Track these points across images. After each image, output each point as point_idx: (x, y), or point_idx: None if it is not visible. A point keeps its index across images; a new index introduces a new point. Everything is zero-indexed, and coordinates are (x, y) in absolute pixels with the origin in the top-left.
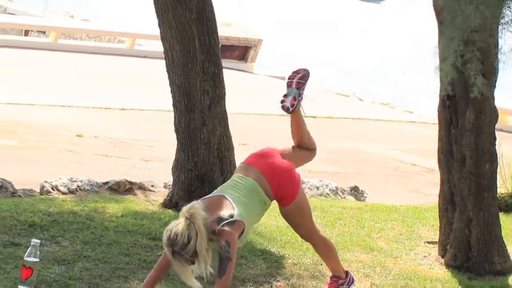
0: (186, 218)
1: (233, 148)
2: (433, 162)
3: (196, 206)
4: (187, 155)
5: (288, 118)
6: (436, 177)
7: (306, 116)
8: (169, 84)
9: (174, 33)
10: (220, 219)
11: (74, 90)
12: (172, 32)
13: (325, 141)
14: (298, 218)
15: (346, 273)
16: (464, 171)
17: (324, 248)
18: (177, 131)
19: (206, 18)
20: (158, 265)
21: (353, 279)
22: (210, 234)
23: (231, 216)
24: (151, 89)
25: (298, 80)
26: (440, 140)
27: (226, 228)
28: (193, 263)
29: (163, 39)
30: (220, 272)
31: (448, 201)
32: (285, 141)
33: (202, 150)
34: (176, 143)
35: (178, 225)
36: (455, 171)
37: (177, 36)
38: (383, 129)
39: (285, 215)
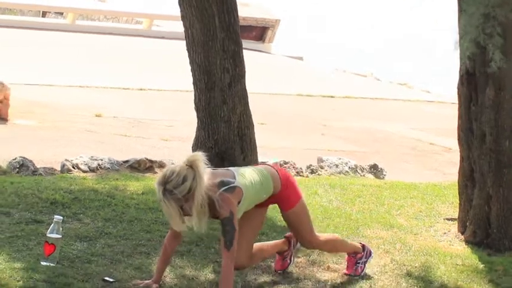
0: (187, 164)
1: (253, 126)
2: (451, 142)
3: (199, 154)
4: (207, 133)
5: (305, 98)
6: (454, 156)
7: (324, 96)
8: (190, 62)
9: (194, 12)
10: (221, 183)
11: (92, 71)
12: (192, 10)
13: (344, 120)
14: (297, 224)
15: (363, 246)
16: (484, 148)
17: (330, 248)
18: (197, 109)
19: None
20: (168, 236)
21: (370, 252)
22: (209, 194)
23: (232, 182)
24: (169, 69)
25: None
26: (460, 117)
27: (227, 194)
28: (181, 208)
29: (183, 17)
30: (227, 244)
31: (468, 178)
32: (302, 121)
33: (223, 128)
34: (196, 121)
35: (176, 166)
36: (475, 148)
37: (197, 14)
38: (401, 109)
39: (286, 220)
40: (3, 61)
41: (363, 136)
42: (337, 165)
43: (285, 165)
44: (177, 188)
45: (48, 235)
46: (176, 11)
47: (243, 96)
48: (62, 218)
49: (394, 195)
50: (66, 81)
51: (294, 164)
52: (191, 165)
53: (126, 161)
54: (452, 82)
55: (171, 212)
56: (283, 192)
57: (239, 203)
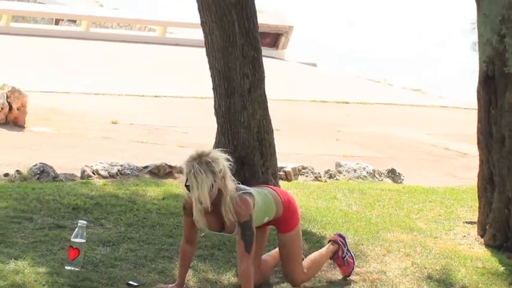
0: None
1: (272, 131)
2: (466, 147)
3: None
4: (227, 138)
5: (319, 104)
6: (469, 162)
7: (338, 102)
8: (209, 68)
9: (214, 18)
10: (238, 187)
11: (107, 78)
12: (212, 17)
13: (359, 126)
14: (290, 247)
15: (334, 241)
16: (504, 151)
17: (314, 271)
18: (217, 114)
19: (245, 2)
20: (182, 243)
21: (341, 236)
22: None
23: (248, 189)
24: (184, 76)
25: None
26: (479, 120)
27: (246, 197)
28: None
29: (203, 23)
30: (248, 248)
31: (487, 181)
32: (316, 127)
33: (243, 134)
34: (212, 128)
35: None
36: (495, 151)
37: (217, 20)
38: (415, 115)
39: (281, 241)
40: (19, 68)
41: (378, 142)
42: (355, 170)
43: (303, 170)
44: (215, 161)
45: (73, 240)
46: (189, 18)
47: (262, 102)
48: (86, 222)
49: (412, 199)
50: (82, 89)
51: (313, 168)
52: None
53: (146, 167)
54: (465, 87)
55: (203, 185)
56: (284, 216)
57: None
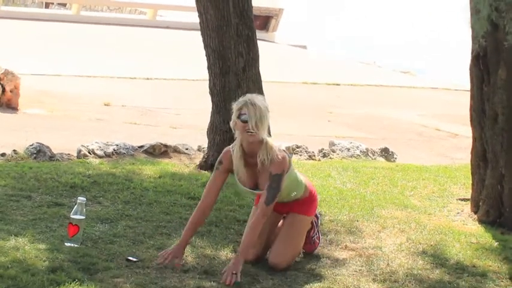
0: None
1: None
2: (456, 127)
3: None
4: (222, 117)
5: (310, 86)
6: (460, 142)
7: (328, 84)
8: (204, 47)
9: None
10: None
11: (99, 61)
12: None
13: (350, 108)
14: (296, 232)
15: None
16: (497, 127)
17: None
18: (212, 93)
19: None
20: (198, 210)
21: (317, 217)
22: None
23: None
24: (175, 58)
25: None
26: (472, 98)
27: (285, 154)
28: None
29: (197, 2)
30: (268, 199)
31: (481, 158)
32: (308, 108)
33: None
34: (210, 106)
35: None
36: (488, 128)
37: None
38: (405, 96)
39: (290, 224)
40: (10, 51)
41: (369, 123)
42: (348, 149)
43: (297, 149)
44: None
45: (72, 216)
46: (179, 0)
47: (257, 81)
48: (85, 199)
49: (406, 177)
50: (74, 71)
51: (306, 148)
52: None
53: (141, 146)
54: (455, 68)
55: (262, 111)
56: (306, 199)
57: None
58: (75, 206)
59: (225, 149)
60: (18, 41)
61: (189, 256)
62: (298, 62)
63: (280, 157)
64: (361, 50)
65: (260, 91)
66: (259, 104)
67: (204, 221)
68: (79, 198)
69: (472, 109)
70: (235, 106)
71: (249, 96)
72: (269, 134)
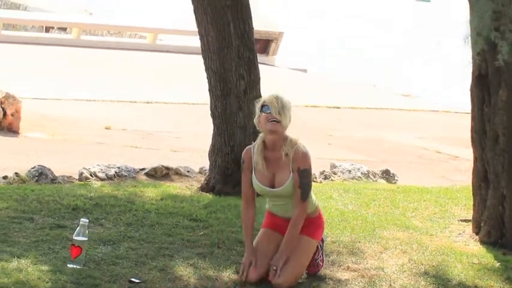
0: None
1: None
2: (456, 150)
3: None
4: (223, 139)
5: (311, 109)
6: (460, 164)
7: (329, 107)
8: (205, 69)
9: (209, 19)
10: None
11: (99, 85)
12: (207, 18)
13: (350, 130)
14: (301, 252)
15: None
16: (498, 148)
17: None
18: (213, 115)
19: (241, 4)
20: (243, 209)
21: (323, 240)
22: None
23: None
24: (175, 82)
25: None
26: (473, 118)
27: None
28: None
29: (198, 24)
30: (304, 196)
31: (482, 179)
32: (308, 131)
33: (239, 135)
34: (210, 130)
35: None
36: (489, 149)
37: (212, 21)
38: (405, 119)
39: (300, 247)
40: (11, 75)
41: (369, 145)
42: (349, 171)
43: None
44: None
45: (75, 238)
46: (179, 25)
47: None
48: (87, 220)
49: (407, 199)
50: (74, 95)
51: None
52: None
53: (143, 169)
54: (456, 91)
55: (286, 102)
56: (314, 220)
57: None
58: (78, 228)
59: (246, 148)
60: (18, 64)
61: (192, 277)
62: (298, 85)
63: (305, 153)
64: (362, 73)
65: None
66: (281, 96)
67: (254, 216)
68: (82, 219)
69: (473, 130)
70: (257, 104)
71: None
72: None
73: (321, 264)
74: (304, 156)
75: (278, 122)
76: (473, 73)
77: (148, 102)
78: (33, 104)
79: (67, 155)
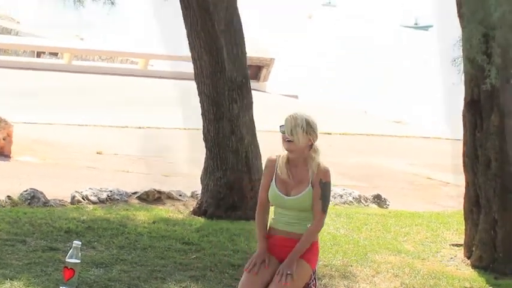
0: None
1: (261, 157)
2: (447, 176)
3: None
4: (216, 163)
5: None
6: (451, 190)
7: (320, 133)
8: (198, 93)
9: (203, 43)
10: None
11: (91, 109)
12: (200, 42)
13: (342, 156)
14: (297, 281)
15: None
16: (489, 173)
17: None
18: (205, 139)
19: (234, 29)
20: (258, 210)
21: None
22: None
23: None
24: (167, 107)
25: None
26: (465, 143)
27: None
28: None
29: (192, 49)
30: (325, 208)
31: (474, 204)
32: None
33: (231, 159)
34: (202, 155)
35: None
36: (481, 173)
37: (205, 46)
38: (396, 145)
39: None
40: (2, 100)
41: (360, 171)
42: (341, 196)
43: None
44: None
45: (67, 260)
46: (170, 50)
47: (250, 127)
48: (80, 243)
49: (399, 223)
50: (65, 120)
51: None
52: None
53: (135, 193)
54: (444, 118)
55: (301, 123)
56: (312, 246)
57: None
58: (71, 250)
59: (270, 156)
60: (9, 89)
61: None
62: (289, 111)
63: (327, 169)
64: (352, 98)
65: (254, 137)
66: (298, 114)
67: (267, 219)
68: (74, 242)
69: (465, 155)
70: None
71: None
72: None
73: None
74: (327, 171)
75: (291, 141)
76: (465, 98)
77: (139, 127)
78: (24, 128)
79: (59, 178)
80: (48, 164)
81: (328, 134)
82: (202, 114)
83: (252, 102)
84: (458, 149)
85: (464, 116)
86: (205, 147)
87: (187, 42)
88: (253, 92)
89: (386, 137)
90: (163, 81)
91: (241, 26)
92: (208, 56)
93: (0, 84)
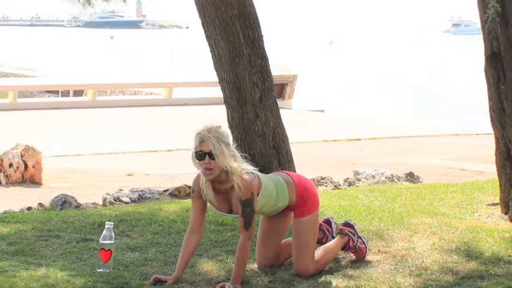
0: None
1: (287, 138)
2: (481, 166)
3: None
4: (243, 149)
5: (331, 143)
6: (486, 178)
7: (349, 140)
8: (219, 81)
9: (218, 30)
10: (246, 168)
11: (119, 139)
12: (216, 29)
13: (373, 158)
14: (304, 237)
15: (342, 233)
16: None
17: (325, 262)
18: (231, 126)
19: (248, 13)
20: (187, 233)
21: (352, 226)
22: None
23: (255, 172)
24: (192, 130)
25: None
26: (490, 98)
27: (247, 176)
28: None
29: (208, 37)
30: (246, 225)
31: (505, 158)
32: (330, 161)
33: (258, 143)
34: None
35: None
36: (509, 126)
37: (221, 32)
38: (427, 144)
39: (295, 228)
40: (30, 138)
41: (394, 168)
42: (373, 176)
43: (322, 181)
44: (226, 134)
45: (102, 241)
46: (192, 77)
47: (274, 110)
48: (112, 223)
49: (434, 192)
50: (95, 150)
51: (331, 178)
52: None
53: (166, 190)
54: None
55: (221, 143)
56: (298, 201)
57: (257, 194)
58: (104, 232)
59: (196, 175)
60: (37, 129)
61: (222, 271)
62: (317, 125)
63: (244, 183)
64: (379, 110)
65: (279, 120)
66: (220, 135)
67: (195, 246)
68: (107, 222)
69: (492, 110)
70: (194, 137)
71: (211, 131)
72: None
73: (364, 246)
74: (246, 188)
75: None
76: (485, 53)
77: (169, 150)
78: (54, 160)
79: (92, 196)
80: (80, 186)
81: (358, 139)
82: (224, 101)
83: (273, 85)
84: (489, 142)
85: (485, 70)
86: (231, 135)
87: (203, 31)
88: (280, 110)
89: (416, 138)
90: (188, 107)
91: (254, 8)
92: (225, 42)
93: (27, 124)
